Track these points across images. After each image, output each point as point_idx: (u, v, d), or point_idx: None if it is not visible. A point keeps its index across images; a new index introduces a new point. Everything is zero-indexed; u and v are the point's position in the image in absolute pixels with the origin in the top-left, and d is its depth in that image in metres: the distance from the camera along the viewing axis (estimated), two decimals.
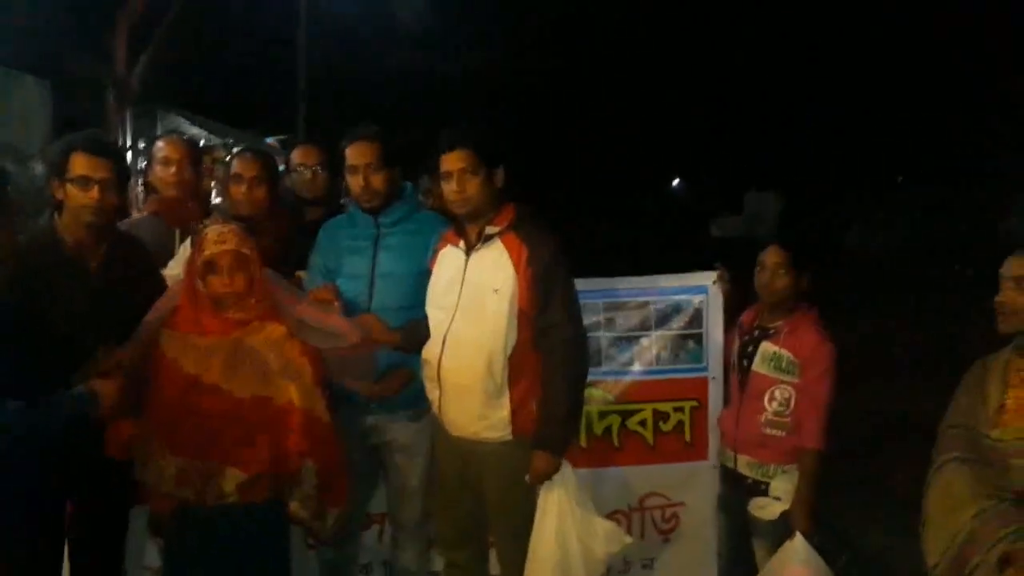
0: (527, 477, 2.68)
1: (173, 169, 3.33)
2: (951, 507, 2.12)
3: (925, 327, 7.43)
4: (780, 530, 2.91)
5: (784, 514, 2.92)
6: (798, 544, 2.79)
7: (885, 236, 18.22)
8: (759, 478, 3.00)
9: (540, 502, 2.69)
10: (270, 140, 12.18)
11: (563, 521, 2.65)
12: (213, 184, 4.22)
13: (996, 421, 2.15)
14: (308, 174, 3.33)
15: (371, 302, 2.90)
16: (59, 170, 2.55)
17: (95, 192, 2.52)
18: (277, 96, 13.68)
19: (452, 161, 2.71)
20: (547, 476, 2.67)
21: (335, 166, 3.28)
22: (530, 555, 2.70)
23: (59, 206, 2.58)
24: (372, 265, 2.93)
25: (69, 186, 2.53)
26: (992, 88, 17.44)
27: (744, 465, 3.04)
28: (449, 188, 2.74)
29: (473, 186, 2.71)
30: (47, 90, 7.69)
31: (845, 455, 3.08)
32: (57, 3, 7.94)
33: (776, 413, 2.95)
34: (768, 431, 2.97)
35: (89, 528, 2.70)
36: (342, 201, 3.43)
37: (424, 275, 2.91)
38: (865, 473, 4.55)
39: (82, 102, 8.71)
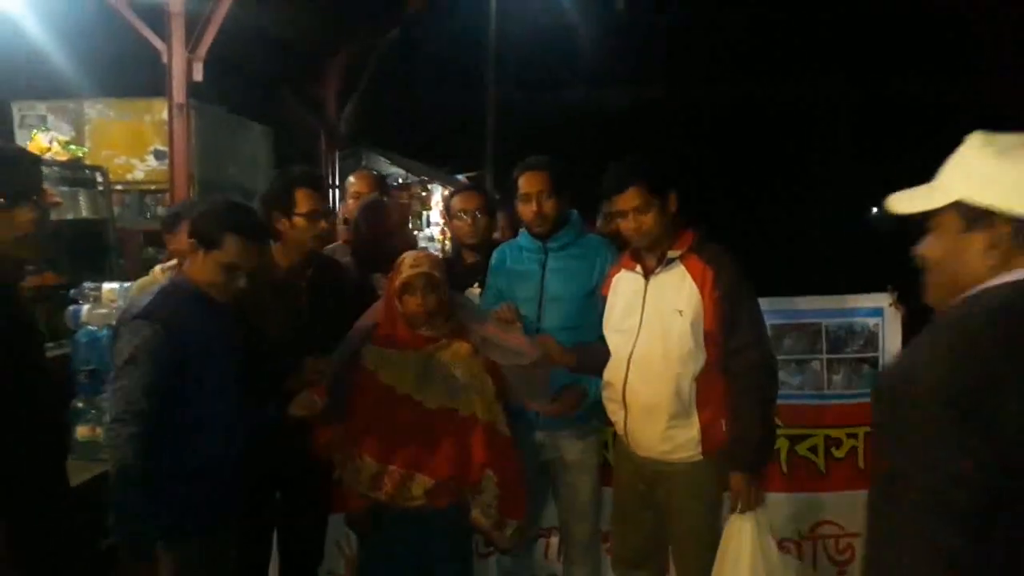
0: (728, 495, 2.68)
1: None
2: None
3: None
4: None
5: None
6: None
7: None
8: None
9: (731, 529, 2.67)
10: (461, 177, 12.84)
11: (755, 555, 2.60)
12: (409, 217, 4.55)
13: None
14: (468, 219, 3.37)
15: (540, 323, 3.03)
16: (283, 205, 2.86)
17: (322, 224, 2.87)
18: (468, 135, 14.37)
19: (625, 201, 2.77)
20: (746, 497, 2.65)
21: (493, 211, 3.45)
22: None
23: (278, 235, 2.90)
24: (540, 287, 3.06)
25: (297, 219, 2.85)
26: None
27: None
28: (626, 225, 2.80)
29: (649, 219, 2.76)
30: (270, 135, 8.55)
31: None
32: (276, 58, 8.90)
33: None
34: None
35: (295, 522, 3.01)
36: (495, 236, 3.56)
37: (589, 297, 3.01)
38: None
39: (298, 146, 9.64)
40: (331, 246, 3.52)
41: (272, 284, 2.86)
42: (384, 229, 3.48)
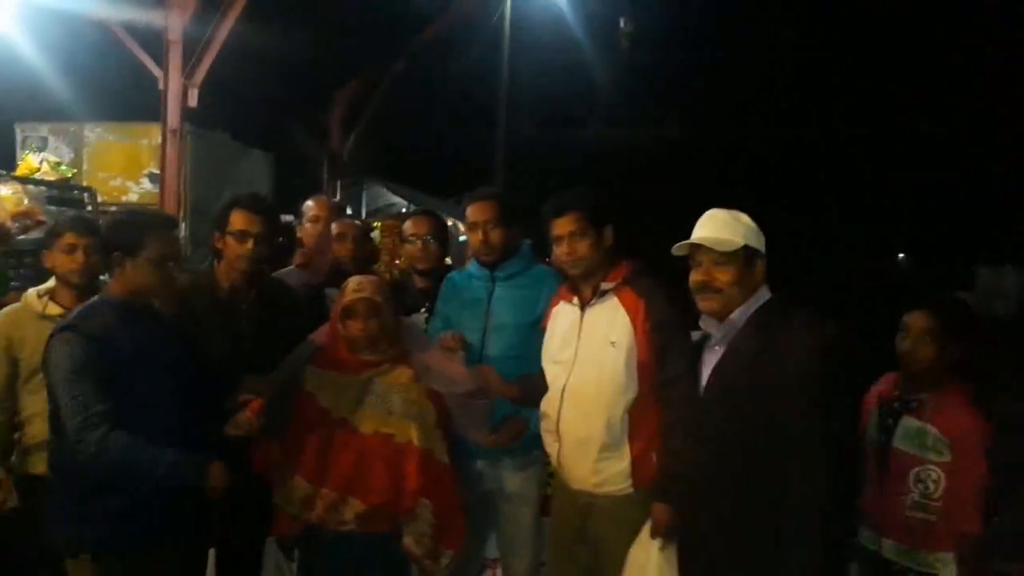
0: (648, 529, 2.64)
1: (320, 226, 3.71)
2: None
3: None
4: None
5: None
6: None
7: None
8: (909, 564, 2.76)
9: (635, 552, 2.65)
10: None
11: (648, 564, 2.59)
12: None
13: None
14: (419, 244, 3.41)
15: (485, 350, 3.05)
16: (220, 224, 2.96)
17: (250, 244, 2.90)
18: (477, 166, 14.52)
19: (562, 225, 2.82)
20: (667, 529, 2.61)
21: (445, 237, 3.49)
22: None
23: (219, 254, 3.00)
24: (486, 316, 3.08)
25: (229, 238, 2.93)
26: None
27: (891, 551, 2.80)
28: (561, 250, 2.85)
29: (584, 247, 2.80)
30: (271, 162, 8.68)
31: None
32: (281, 86, 9.08)
33: (923, 495, 2.71)
34: (915, 514, 2.73)
35: (233, 542, 3.02)
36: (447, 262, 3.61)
37: (534, 327, 3.03)
38: None
39: (300, 173, 9.79)
40: (285, 269, 3.56)
41: (214, 304, 2.92)
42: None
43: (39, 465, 2.92)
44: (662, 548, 2.59)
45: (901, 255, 31.38)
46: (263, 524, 3.02)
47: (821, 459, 2.26)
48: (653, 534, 2.63)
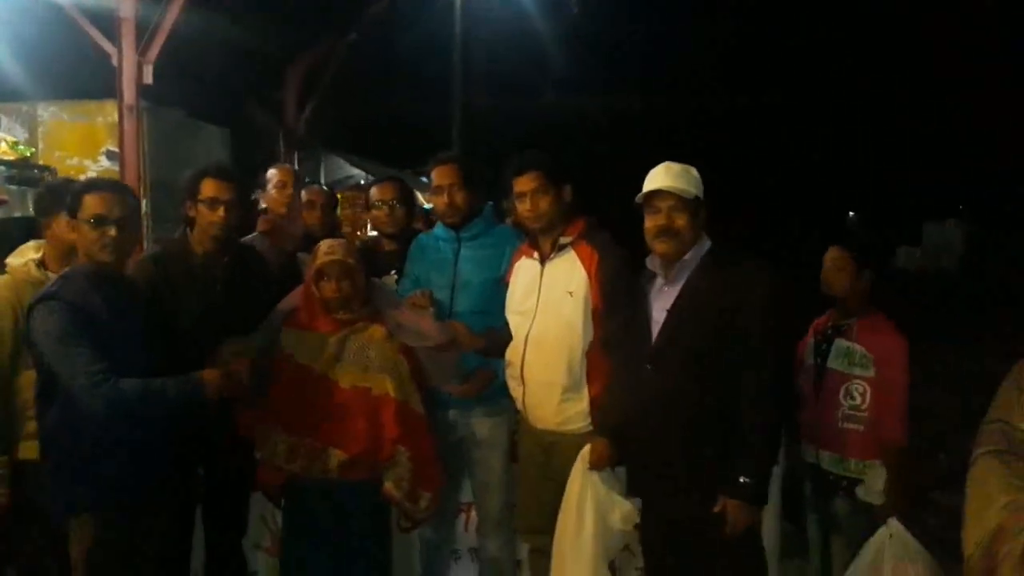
0: (585, 460, 2.88)
1: (287, 191, 3.81)
2: (983, 500, 2.11)
3: None
4: (860, 526, 3.00)
5: (871, 510, 2.99)
6: (898, 536, 2.86)
7: None
8: (842, 473, 3.10)
9: (571, 474, 2.90)
10: (424, 180, 12.97)
11: (584, 491, 2.84)
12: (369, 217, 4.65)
13: None
14: (385, 209, 3.57)
15: (453, 307, 3.23)
16: (192, 192, 3.06)
17: (221, 211, 3.02)
18: (433, 136, 14.55)
19: (524, 182, 3.02)
20: (606, 462, 2.87)
21: (411, 201, 3.65)
22: (558, 522, 2.91)
23: (191, 223, 3.11)
24: (453, 275, 3.26)
25: (200, 206, 3.04)
26: None
27: (827, 461, 3.13)
28: (523, 206, 3.04)
29: (544, 203, 3.00)
30: (226, 137, 8.67)
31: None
32: (235, 61, 9.04)
33: (852, 408, 3.05)
34: (845, 425, 3.07)
35: (219, 497, 3.17)
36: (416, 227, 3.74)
37: (499, 283, 3.22)
38: None
39: (256, 148, 9.77)
40: (249, 236, 3.67)
41: (188, 271, 3.04)
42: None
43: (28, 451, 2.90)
44: (601, 478, 2.86)
45: (851, 213, 32.21)
46: (247, 480, 3.19)
47: (772, 375, 2.59)
48: (593, 466, 2.87)
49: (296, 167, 10.47)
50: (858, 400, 3.05)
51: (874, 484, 2.98)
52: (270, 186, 3.90)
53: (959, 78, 22.54)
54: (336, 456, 2.95)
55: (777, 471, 3.09)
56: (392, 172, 13.15)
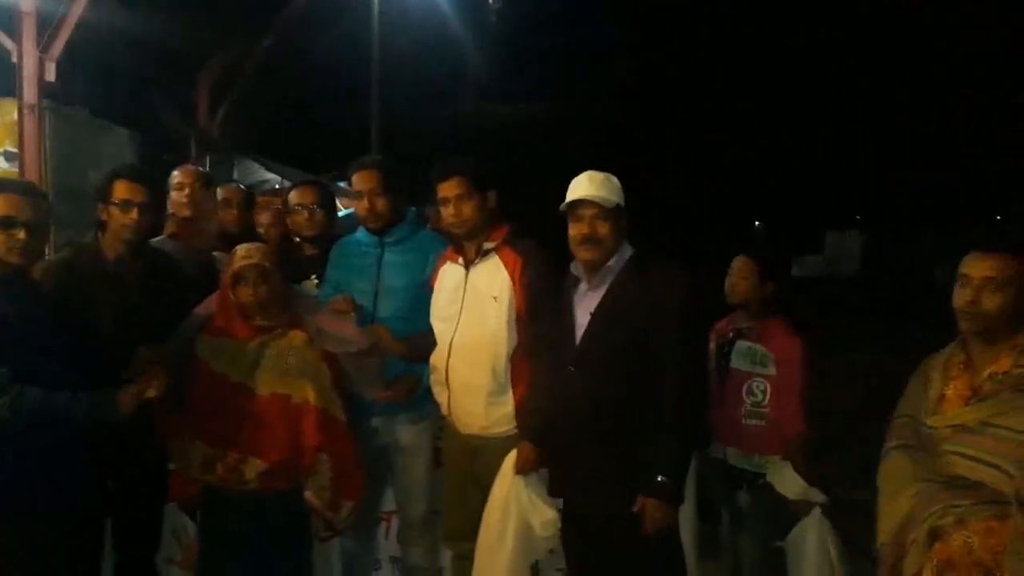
0: (513, 466, 2.90)
1: (186, 192, 3.66)
2: (895, 491, 2.25)
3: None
4: (763, 521, 3.16)
5: (777, 503, 3.11)
6: (817, 527, 2.97)
7: None
8: (746, 468, 3.24)
9: (496, 479, 2.93)
10: (343, 184, 12.77)
11: (508, 496, 2.87)
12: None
13: (935, 410, 2.26)
14: (305, 213, 3.51)
15: (376, 313, 3.20)
16: (104, 195, 2.96)
17: (135, 214, 2.92)
18: (351, 141, 14.39)
19: (448, 188, 3.03)
20: (532, 466, 2.89)
21: (331, 205, 3.61)
22: (481, 526, 2.93)
23: (102, 226, 2.99)
24: (376, 280, 3.23)
25: (112, 208, 2.93)
26: None
27: (732, 456, 3.27)
28: (447, 212, 3.05)
29: (468, 209, 3.01)
30: (136, 139, 8.36)
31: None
32: (144, 59, 8.74)
33: (754, 404, 3.21)
34: (749, 422, 3.22)
35: (130, 511, 3.04)
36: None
37: (423, 288, 3.21)
38: None
39: (167, 151, 9.46)
40: (157, 239, 3.56)
41: (100, 276, 2.93)
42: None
43: None
44: (526, 483, 2.88)
45: (758, 222, 33.39)
46: (160, 492, 3.09)
47: (689, 375, 2.69)
48: (518, 470, 2.90)
49: (208, 170, 10.22)
50: (760, 397, 3.20)
51: (782, 478, 3.10)
52: (171, 188, 3.77)
53: (858, 93, 23.67)
54: (255, 466, 2.88)
55: (691, 471, 3.16)
56: (309, 177, 12.95)
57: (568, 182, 2.83)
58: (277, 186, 11.83)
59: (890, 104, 23.59)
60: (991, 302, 2.20)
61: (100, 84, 8.03)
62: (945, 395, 2.27)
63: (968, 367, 2.28)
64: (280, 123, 13.30)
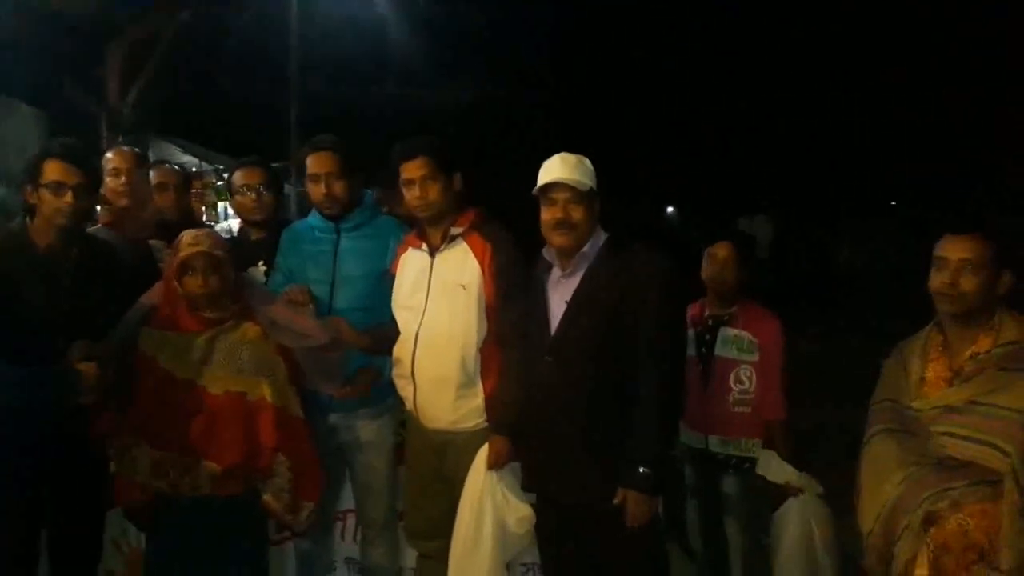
0: (487, 460, 2.80)
1: (123, 179, 3.41)
2: (880, 476, 2.25)
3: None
4: (752, 505, 3.12)
5: (765, 488, 3.08)
6: (800, 511, 2.98)
7: (874, 257, 18.79)
8: (731, 453, 3.20)
9: (469, 476, 2.82)
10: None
11: (483, 494, 2.78)
12: (203, 208, 4.32)
13: (917, 393, 2.27)
14: (252, 195, 3.30)
15: (333, 303, 3.03)
16: (33, 176, 2.68)
17: (68, 197, 2.66)
18: (270, 124, 13.88)
19: (413, 169, 2.86)
20: (505, 461, 2.79)
21: (279, 186, 3.39)
22: (456, 525, 2.83)
23: (31, 211, 2.71)
24: (333, 269, 3.05)
25: (43, 191, 2.66)
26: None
27: (716, 444, 3.22)
28: (412, 194, 2.88)
29: (434, 191, 2.86)
30: (43, 118, 7.85)
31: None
32: (53, 35, 8.14)
33: (741, 392, 3.17)
34: (737, 409, 3.17)
35: (67, 519, 2.81)
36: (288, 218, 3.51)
37: (382, 277, 3.05)
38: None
39: (75, 131, 8.85)
40: (92, 228, 3.30)
41: (30, 265, 2.66)
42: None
43: None
44: (499, 478, 2.79)
45: (670, 208, 34.10)
46: (100, 498, 2.86)
47: (669, 362, 2.61)
48: (491, 465, 2.80)
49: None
50: (746, 384, 3.17)
51: (767, 464, 3.08)
52: (106, 174, 3.48)
53: (769, 86, 24.36)
54: (208, 469, 2.69)
55: None
56: (227, 160, 12.44)
57: (496, 168, 2.73)
58: (194, 169, 11.38)
59: (797, 96, 24.38)
60: (969, 283, 2.22)
61: (1, 59, 7.44)
62: (925, 377, 2.28)
63: (946, 349, 2.30)
64: (198, 103, 12.68)
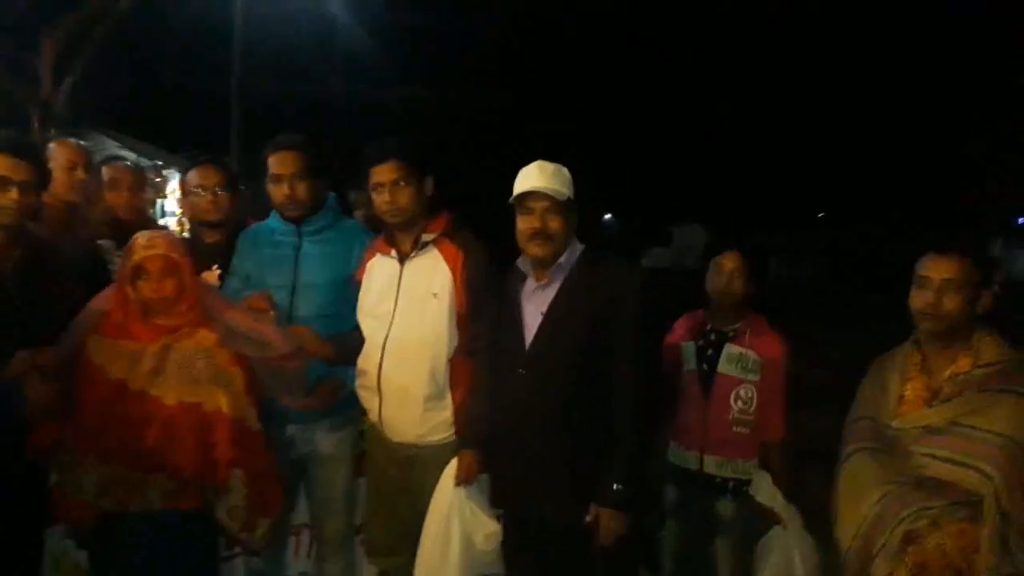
0: (454, 476, 2.71)
1: (79, 175, 3.26)
2: (858, 494, 2.24)
3: (837, 354, 7.75)
4: (745, 526, 3.01)
5: (755, 509, 2.98)
6: (783, 539, 2.90)
7: (802, 268, 19.45)
8: (728, 475, 3.05)
9: (436, 491, 2.73)
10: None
11: (451, 510, 2.69)
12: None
13: (896, 411, 2.27)
14: (208, 196, 3.15)
15: (294, 311, 2.91)
16: None
17: (14, 194, 2.49)
18: (210, 119, 13.51)
19: (384, 172, 2.76)
20: (474, 476, 2.71)
21: (235, 186, 3.26)
22: (422, 542, 2.74)
23: None
24: (294, 274, 2.93)
25: None
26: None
27: (712, 465, 3.06)
28: (381, 199, 2.78)
29: (405, 195, 2.77)
30: None
31: None
32: None
33: (741, 411, 3.02)
34: (736, 429, 3.03)
35: (3, 538, 2.61)
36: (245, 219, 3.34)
37: (346, 284, 2.94)
38: None
39: (4, 123, 8.45)
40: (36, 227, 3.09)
41: None
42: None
43: None
44: (467, 494, 2.71)
45: (608, 215, 34.47)
46: (37, 515, 2.67)
47: (644, 376, 2.55)
48: (460, 480, 2.71)
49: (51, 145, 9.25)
50: (747, 403, 3.02)
51: (759, 486, 2.99)
52: (55, 168, 3.27)
53: (709, 96, 24.89)
54: (161, 484, 2.54)
55: None
56: (165, 155, 12.06)
57: (441, 170, 2.68)
58: (128, 163, 10.97)
59: (735, 106, 24.98)
60: (951, 303, 2.22)
61: None
62: (904, 396, 2.28)
63: (924, 367, 2.30)
64: (135, 96, 12.26)
